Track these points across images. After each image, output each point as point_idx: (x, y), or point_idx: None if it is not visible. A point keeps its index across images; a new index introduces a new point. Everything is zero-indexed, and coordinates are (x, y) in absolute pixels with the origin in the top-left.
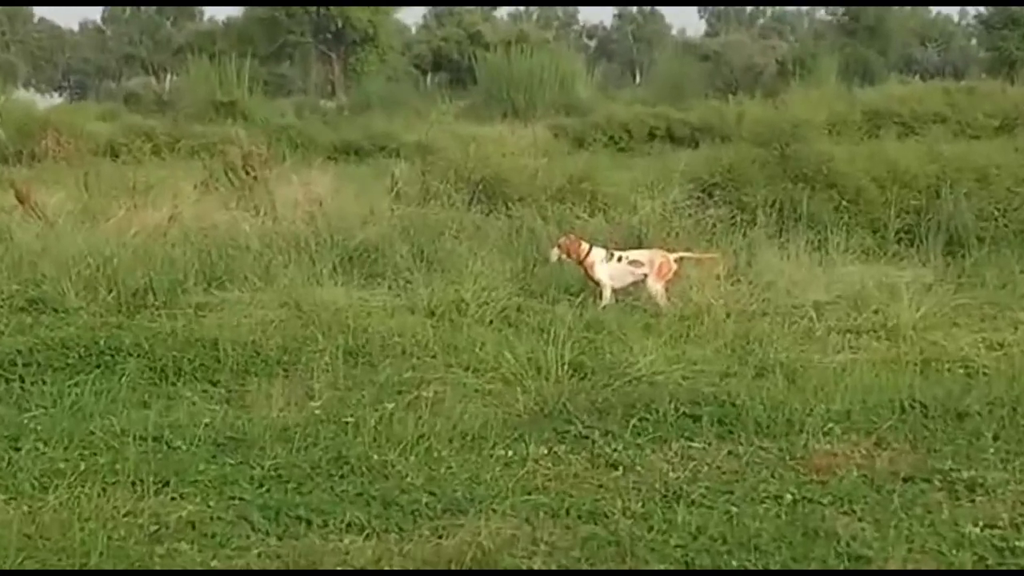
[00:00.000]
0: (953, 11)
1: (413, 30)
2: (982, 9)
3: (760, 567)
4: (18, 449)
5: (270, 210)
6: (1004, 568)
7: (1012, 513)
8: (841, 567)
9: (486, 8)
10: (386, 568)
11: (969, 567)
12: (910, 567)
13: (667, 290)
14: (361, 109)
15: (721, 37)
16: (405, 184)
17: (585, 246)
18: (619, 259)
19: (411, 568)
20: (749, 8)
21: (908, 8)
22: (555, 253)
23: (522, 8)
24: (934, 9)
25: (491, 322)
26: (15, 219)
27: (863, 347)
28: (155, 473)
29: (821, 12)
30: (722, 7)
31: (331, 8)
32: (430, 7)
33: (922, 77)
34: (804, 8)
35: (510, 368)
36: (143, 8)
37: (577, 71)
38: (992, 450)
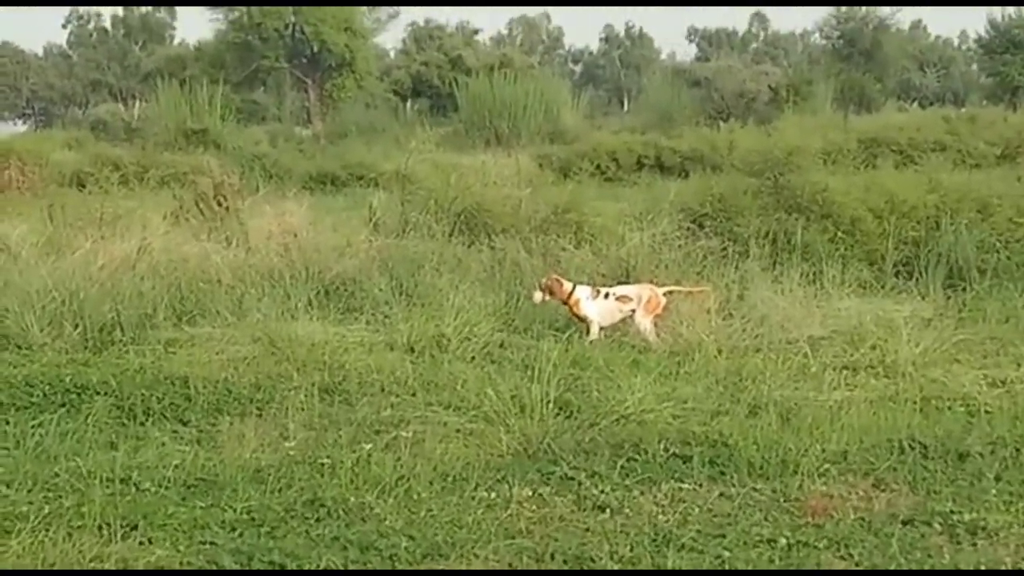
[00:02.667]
0: (953, 35)
1: (392, 55)
2: (983, 33)
3: None
4: None
5: (243, 242)
6: None
7: (1015, 557)
8: None
9: (467, 32)
10: None
11: None
12: None
13: (656, 325)
14: (338, 137)
15: (712, 62)
16: (384, 215)
17: (568, 285)
18: (606, 296)
19: None
20: (741, 32)
21: (906, 32)
22: (538, 295)
23: (505, 32)
24: (933, 33)
25: (473, 358)
26: None
27: (860, 384)
28: (123, 517)
29: (816, 36)
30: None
31: (306, 32)
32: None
33: (921, 104)
34: (798, 32)
35: (493, 406)
36: (111, 32)
37: (562, 98)
38: (994, 492)
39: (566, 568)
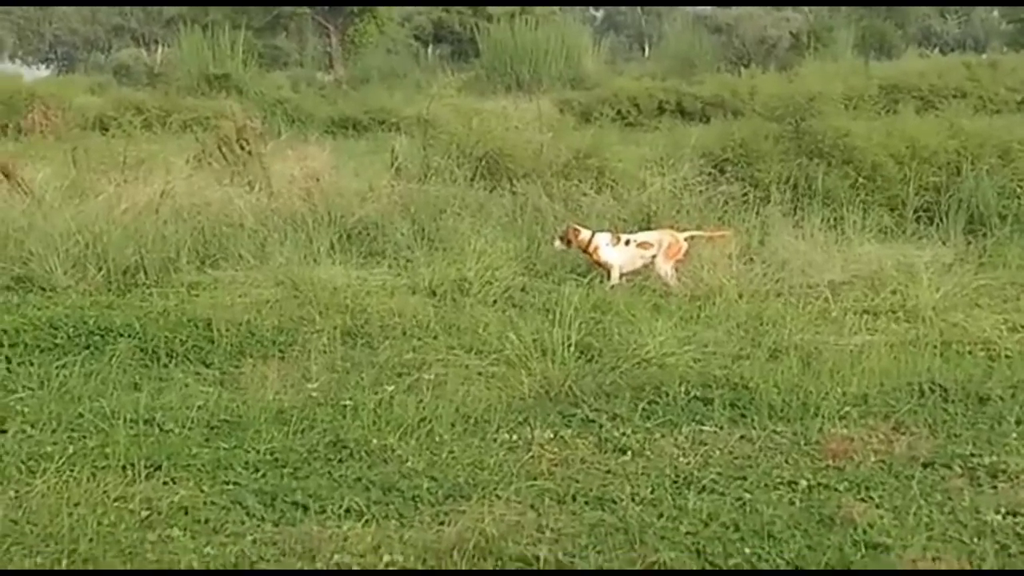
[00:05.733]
0: None
1: None
2: None
3: (774, 555)
4: (4, 432)
5: (265, 186)
6: None
7: None
8: (858, 555)
9: None
10: (385, 556)
11: (991, 555)
12: (930, 555)
13: (677, 270)
14: (360, 82)
15: (733, 9)
16: (405, 160)
17: (586, 233)
18: (627, 243)
19: (412, 554)
20: None
21: None
22: (558, 244)
23: None
24: None
25: (495, 302)
26: (0, 195)
27: (881, 329)
28: (146, 457)
29: None
30: None
31: None
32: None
33: (942, 50)
34: None
35: (514, 350)
36: None
37: (583, 44)
38: (1015, 435)
39: (587, 508)
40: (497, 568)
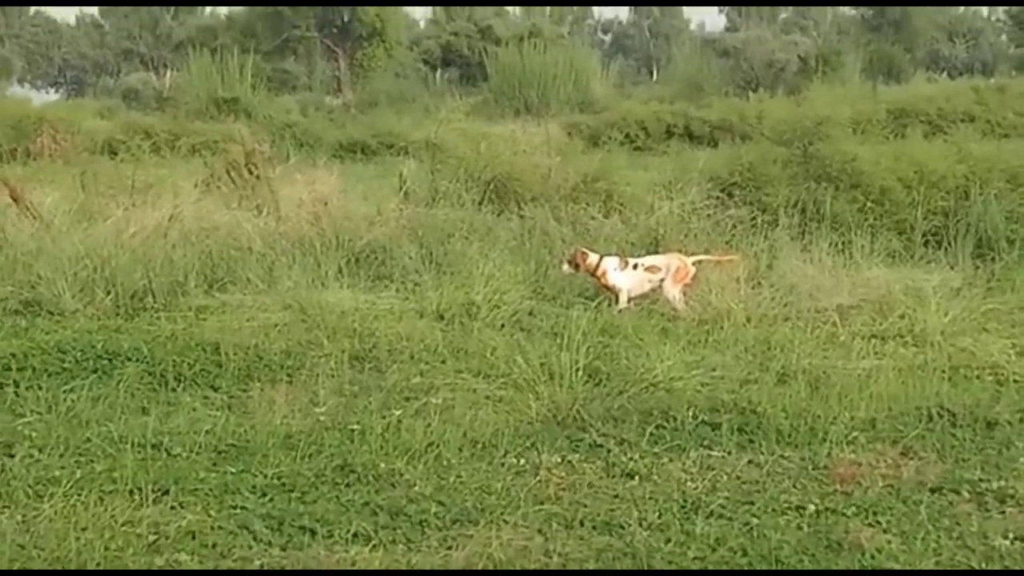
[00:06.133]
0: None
1: (422, 24)
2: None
3: None
4: (12, 456)
5: (273, 210)
6: None
7: None
8: None
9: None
10: None
11: None
12: None
13: (685, 294)
14: (368, 106)
15: (741, 32)
16: (413, 183)
17: (593, 257)
18: (635, 266)
19: None
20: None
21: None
22: (566, 268)
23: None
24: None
25: (503, 326)
26: (9, 219)
27: (889, 353)
28: (154, 481)
29: (845, 7)
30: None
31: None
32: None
33: (950, 74)
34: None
35: (522, 374)
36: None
37: (592, 67)
38: (1023, 460)
39: (595, 533)
40: None
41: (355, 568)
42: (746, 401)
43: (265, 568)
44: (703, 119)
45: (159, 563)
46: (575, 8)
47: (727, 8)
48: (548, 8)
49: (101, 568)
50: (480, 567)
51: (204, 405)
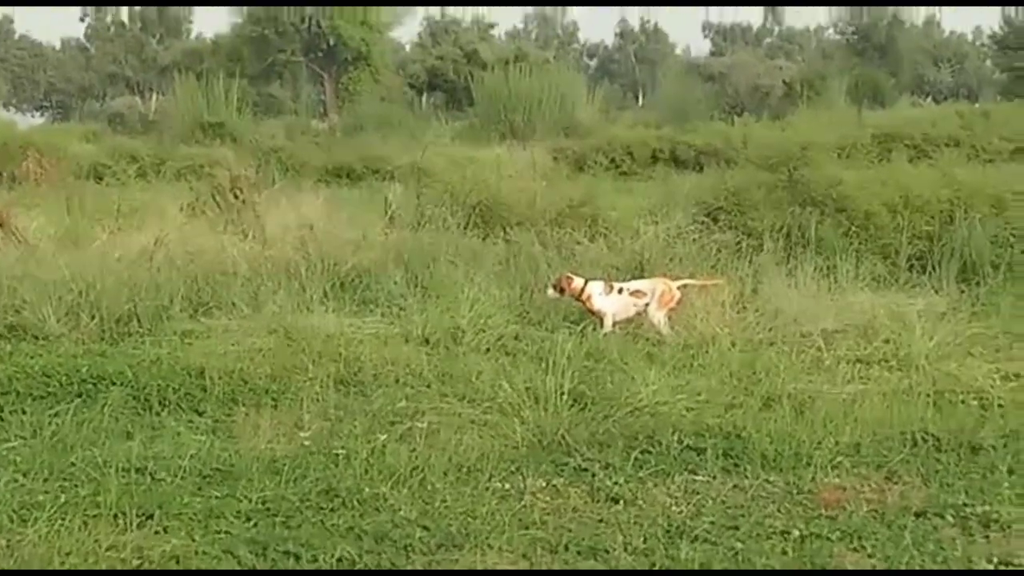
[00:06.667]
0: (967, 31)
1: (407, 48)
2: (997, 29)
3: None
4: None
5: (259, 234)
6: None
7: None
8: None
9: (482, 27)
10: None
11: None
12: None
13: (670, 318)
14: (354, 130)
15: (726, 57)
16: (399, 208)
17: (579, 281)
18: (620, 291)
19: None
20: (755, 27)
21: (920, 28)
22: (551, 292)
23: (520, 26)
24: (947, 29)
25: (488, 350)
26: None
27: (874, 378)
28: (138, 506)
29: (830, 31)
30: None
31: (323, 26)
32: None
33: (935, 99)
34: (812, 27)
35: (507, 398)
36: (128, 25)
37: (577, 92)
38: (1007, 485)
39: (580, 558)
40: None
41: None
42: (731, 425)
43: None
44: (688, 144)
45: None
46: (560, 32)
47: (712, 32)
48: (533, 32)
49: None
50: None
51: (189, 429)
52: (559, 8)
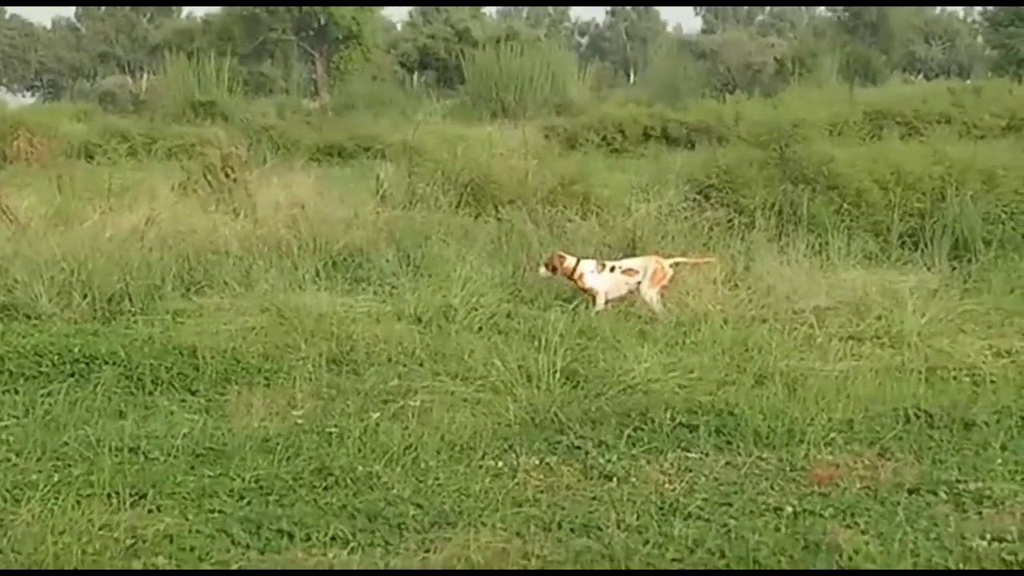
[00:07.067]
0: (958, 8)
1: (399, 27)
2: (988, 6)
3: None
4: None
5: (250, 213)
6: None
7: (1021, 526)
8: None
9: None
10: None
11: None
12: None
13: (663, 296)
14: (345, 109)
15: (718, 35)
16: (391, 186)
17: (570, 260)
18: (612, 269)
19: None
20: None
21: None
22: (543, 271)
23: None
24: (938, 5)
25: (480, 329)
26: None
27: (866, 355)
28: (131, 485)
29: (821, 9)
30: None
31: (314, 5)
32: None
33: (926, 76)
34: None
35: (500, 376)
36: (119, 6)
37: (569, 70)
38: (1000, 461)
39: (573, 535)
40: None
41: (333, 569)
42: (724, 403)
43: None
44: (680, 121)
45: (136, 566)
46: (552, 10)
47: (703, 10)
48: (525, 10)
49: (80, 570)
50: (458, 571)
51: (181, 409)
52: None
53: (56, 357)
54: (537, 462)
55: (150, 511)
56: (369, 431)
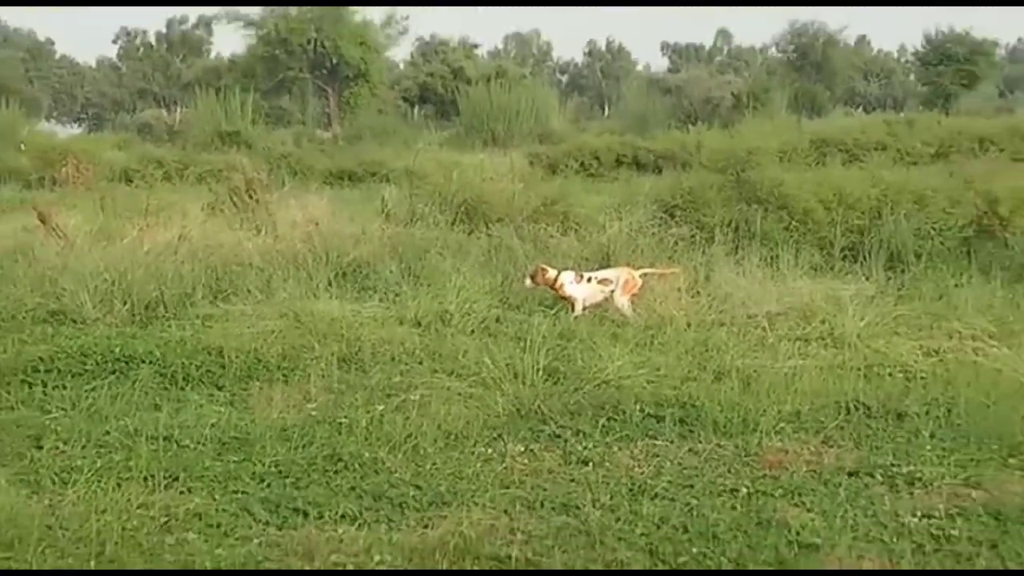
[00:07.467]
0: (893, 49)
1: (401, 66)
2: (919, 47)
3: (718, 554)
4: (40, 448)
5: (271, 230)
6: (939, 552)
7: (947, 504)
8: (791, 554)
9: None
10: (376, 556)
11: (908, 553)
12: (855, 554)
13: (633, 303)
14: (354, 139)
15: (682, 73)
16: (394, 206)
17: (552, 272)
18: (588, 280)
19: (399, 555)
20: (708, 46)
21: (852, 46)
22: (528, 282)
23: (500, 46)
24: (876, 47)
25: (472, 332)
26: (38, 239)
27: (811, 354)
28: (165, 469)
29: (773, 50)
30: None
31: (327, 47)
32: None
33: (865, 109)
34: (757, 46)
35: (490, 373)
36: (155, 46)
37: (551, 104)
38: (929, 447)
39: (554, 513)
40: (475, 568)
41: (342, 545)
42: (686, 396)
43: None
44: (648, 149)
45: (170, 541)
46: (536, 51)
47: (669, 51)
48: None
49: (119, 546)
50: (453, 544)
51: (209, 402)
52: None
53: (99, 357)
54: (522, 449)
55: (182, 492)
56: (375, 422)
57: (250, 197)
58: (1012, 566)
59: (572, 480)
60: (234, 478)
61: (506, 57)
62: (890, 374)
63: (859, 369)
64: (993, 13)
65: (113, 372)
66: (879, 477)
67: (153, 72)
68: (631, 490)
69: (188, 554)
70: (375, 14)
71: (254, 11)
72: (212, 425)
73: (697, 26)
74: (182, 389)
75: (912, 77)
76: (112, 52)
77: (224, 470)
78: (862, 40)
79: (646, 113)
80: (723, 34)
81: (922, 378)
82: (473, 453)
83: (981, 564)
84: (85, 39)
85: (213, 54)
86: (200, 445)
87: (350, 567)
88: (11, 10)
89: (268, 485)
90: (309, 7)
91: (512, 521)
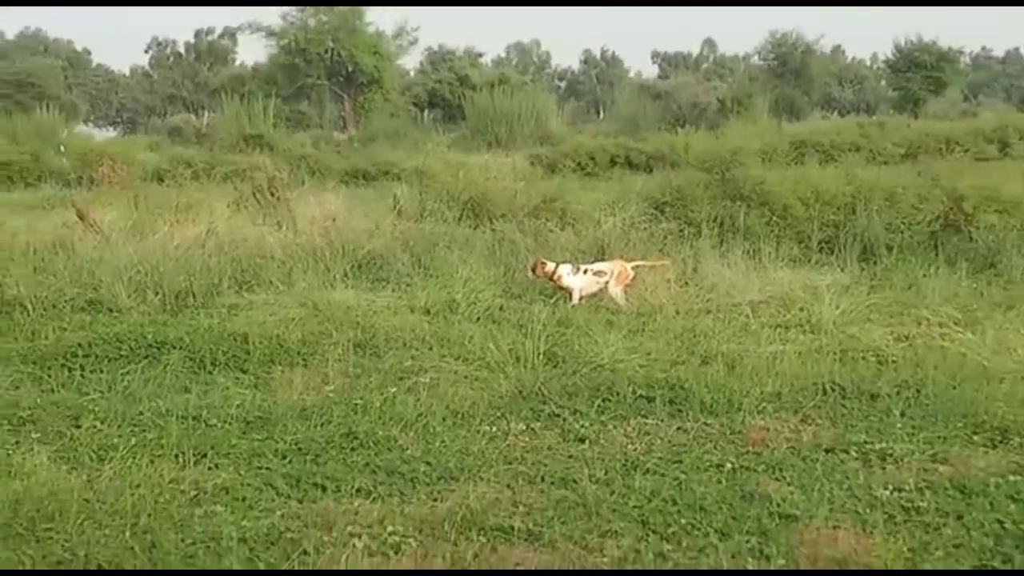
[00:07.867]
0: (866, 57)
1: (412, 74)
2: (890, 55)
3: (705, 525)
4: (79, 427)
5: (291, 225)
6: (909, 522)
7: (917, 479)
8: (773, 525)
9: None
10: (389, 527)
11: (880, 523)
12: (831, 524)
13: (626, 293)
14: (368, 140)
15: (671, 79)
16: (405, 203)
17: (551, 265)
18: (585, 271)
19: (410, 525)
20: (695, 54)
21: (828, 54)
22: (529, 274)
23: (503, 55)
24: (850, 55)
25: (478, 319)
26: (77, 234)
27: (791, 339)
28: (195, 447)
29: (755, 58)
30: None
31: (343, 56)
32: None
33: (840, 113)
34: (741, 55)
35: (494, 357)
36: (184, 55)
37: (550, 109)
38: (900, 425)
39: (553, 487)
40: (480, 538)
41: (358, 516)
42: (676, 379)
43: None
44: (640, 150)
45: (199, 513)
46: (536, 59)
47: (659, 59)
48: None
49: (152, 518)
50: (460, 515)
51: (235, 384)
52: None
53: (133, 343)
54: (524, 427)
55: (210, 468)
56: (388, 402)
57: (272, 195)
58: (976, 535)
59: (570, 456)
60: (258, 455)
61: (508, 65)
62: (863, 358)
63: (835, 353)
64: (959, 23)
65: (146, 357)
66: (853, 453)
67: (182, 79)
68: (624, 465)
69: (216, 525)
70: (387, 25)
71: (275, 22)
72: (237, 406)
73: (685, 36)
74: (210, 373)
75: (883, 83)
76: (144, 61)
77: (249, 447)
78: (837, 49)
79: (638, 117)
80: (709, 43)
81: (893, 362)
82: (479, 431)
83: (947, 533)
84: (119, 49)
85: (238, 62)
86: (226, 424)
87: (365, 537)
88: (52, 21)
89: (289, 461)
90: (327, 20)
91: (514, 494)
